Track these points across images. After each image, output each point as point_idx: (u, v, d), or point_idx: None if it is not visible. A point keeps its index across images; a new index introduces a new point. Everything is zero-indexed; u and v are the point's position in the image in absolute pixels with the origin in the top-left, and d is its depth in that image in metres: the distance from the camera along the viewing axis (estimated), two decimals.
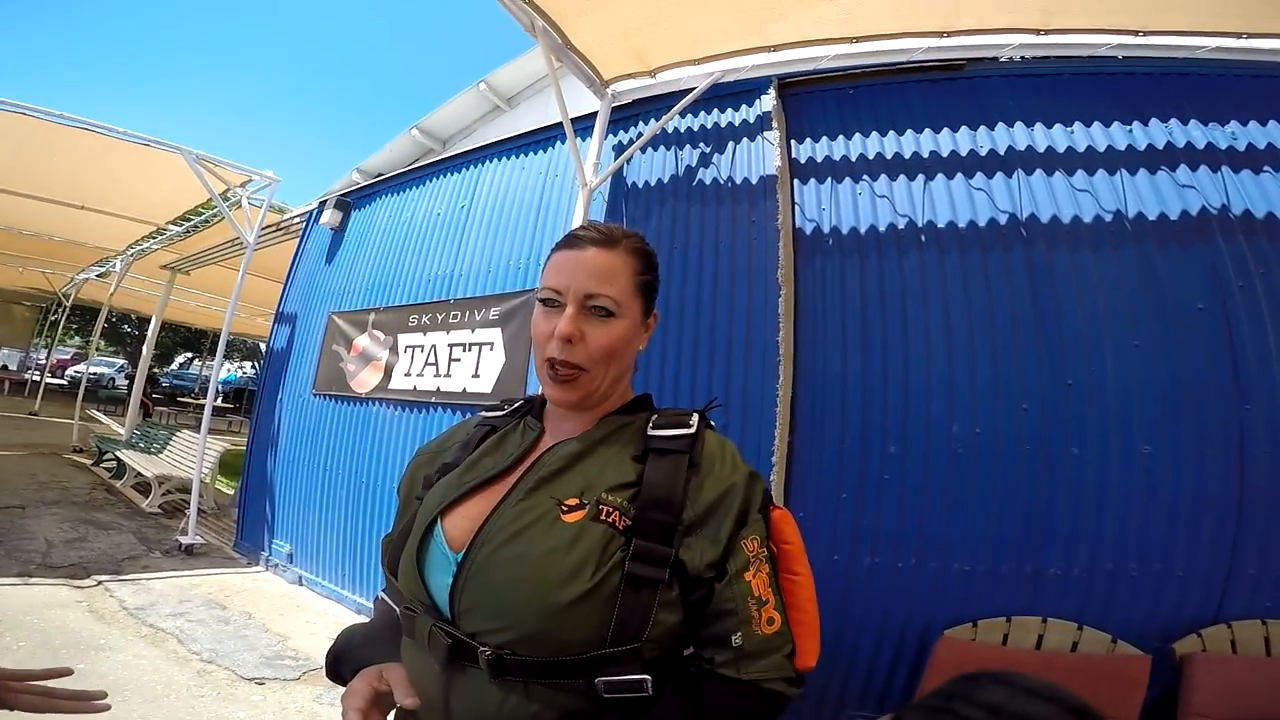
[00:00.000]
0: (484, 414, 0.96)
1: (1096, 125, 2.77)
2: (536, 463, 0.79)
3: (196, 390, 19.49)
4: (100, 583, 3.77)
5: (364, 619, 3.69)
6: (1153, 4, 2.60)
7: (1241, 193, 2.54)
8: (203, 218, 6.99)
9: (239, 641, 3.28)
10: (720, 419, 2.83)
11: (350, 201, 5.22)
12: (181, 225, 7.21)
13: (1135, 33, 2.75)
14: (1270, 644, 2.20)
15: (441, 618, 0.73)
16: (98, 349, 18.10)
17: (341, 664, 0.82)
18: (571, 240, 0.83)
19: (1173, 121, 2.71)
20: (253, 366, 25.66)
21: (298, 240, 5.73)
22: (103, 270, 9.84)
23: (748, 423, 2.75)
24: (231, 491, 6.90)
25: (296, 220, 6.00)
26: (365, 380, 4.26)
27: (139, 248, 8.12)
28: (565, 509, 0.72)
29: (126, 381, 18.28)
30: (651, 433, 0.79)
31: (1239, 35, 2.68)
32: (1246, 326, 2.35)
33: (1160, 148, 2.67)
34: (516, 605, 0.67)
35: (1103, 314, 2.46)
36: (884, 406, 2.61)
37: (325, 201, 5.30)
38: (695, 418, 0.80)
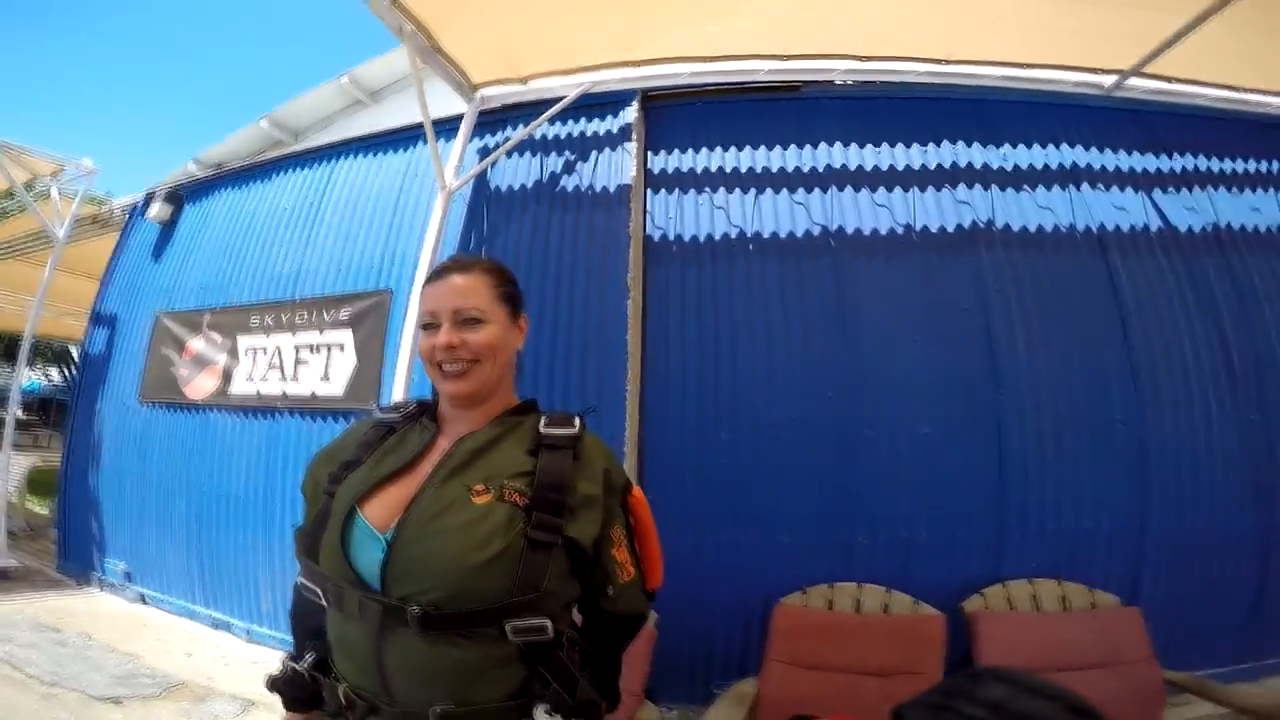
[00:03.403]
0: (379, 416, 1.09)
1: (900, 146, 3.19)
2: (447, 456, 0.93)
3: None
4: None
5: (221, 634, 3.45)
6: (956, 35, 3.02)
7: (1004, 209, 3.04)
8: None
9: (83, 663, 2.99)
10: (593, 421, 2.94)
11: (183, 194, 4.78)
12: None
13: (940, 61, 3.20)
14: (1038, 600, 2.59)
15: (369, 589, 0.85)
16: None
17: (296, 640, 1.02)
18: (436, 273, 1.02)
19: (959, 143, 3.18)
20: (60, 372, 21.94)
21: (119, 235, 5.17)
22: None
23: (602, 416, 2.87)
24: (45, 511, 6.13)
25: (118, 213, 5.40)
26: (201, 385, 3.95)
27: None
28: (475, 493, 0.88)
29: None
30: (544, 430, 0.96)
31: (1021, 65, 3.19)
32: (1001, 326, 2.84)
33: (947, 167, 3.13)
34: (444, 567, 0.83)
35: (891, 314, 2.86)
36: (716, 398, 2.86)
37: (153, 194, 4.82)
38: (578, 420, 0.99)
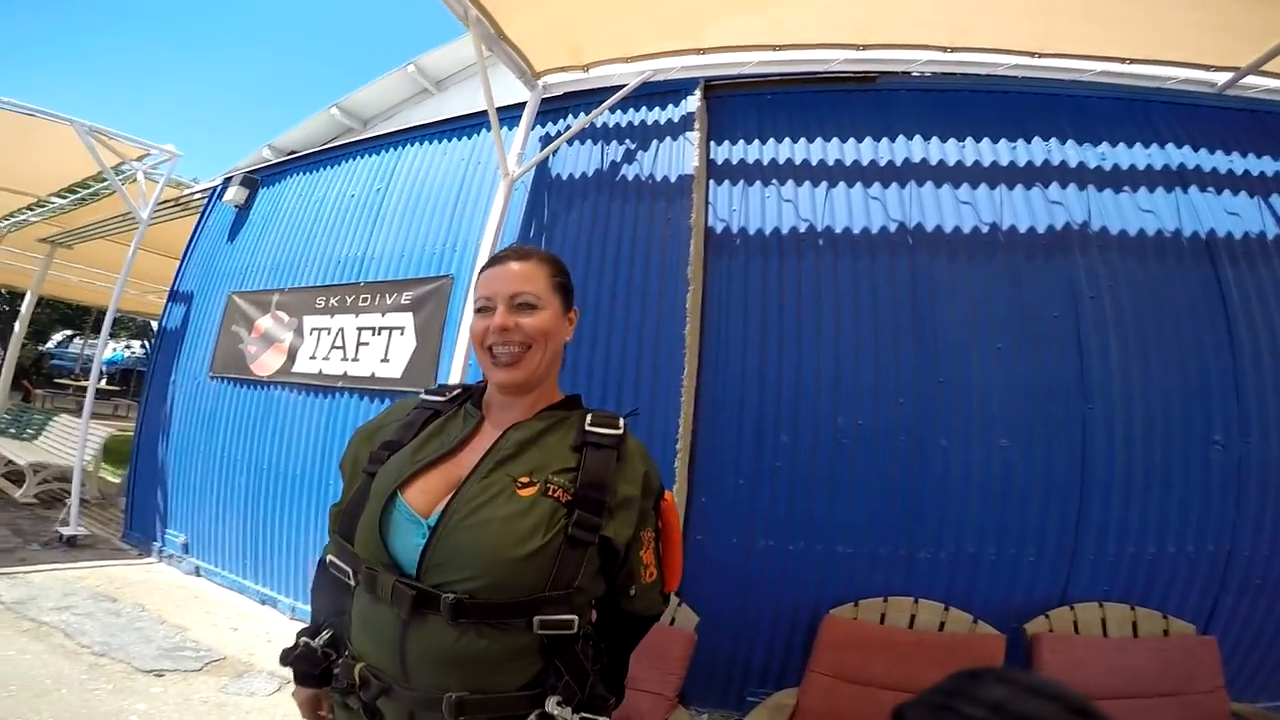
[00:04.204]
0: (424, 397, 1.09)
1: (986, 141, 3.00)
2: (494, 446, 0.94)
3: (77, 371, 17.56)
4: None
5: (267, 609, 3.55)
6: (1050, 27, 2.81)
7: (1101, 211, 2.83)
8: (91, 190, 6.44)
9: (133, 634, 3.10)
10: (645, 416, 2.89)
11: (258, 179, 4.96)
12: (65, 198, 6.62)
13: (1033, 54, 3.00)
14: (1106, 625, 2.45)
15: (403, 574, 0.87)
16: None
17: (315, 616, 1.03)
18: (495, 259, 1.03)
19: (1052, 140, 2.97)
20: (142, 346, 23.33)
21: (198, 217, 5.41)
22: None
23: (655, 411, 2.82)
24: (118, 480, 6.43)
25: (198, 196, 5.64)
26: (267, 363, 4.07)
27: (15, 219, 7.37)
28: (520, 485, 0.89)
29: None
30: (589, 429, 0.97)
31: (1123, 60, 2.96)
32: (1093, 334, 2.64)
33: (1038, 164, 2.93)
34: (485, 557, 0.84)
35: (972, 319, 2.69)
36: (778, 399, 2.75)
37: (230, 178, 5.02)
38: (622, 422, 1.00)
